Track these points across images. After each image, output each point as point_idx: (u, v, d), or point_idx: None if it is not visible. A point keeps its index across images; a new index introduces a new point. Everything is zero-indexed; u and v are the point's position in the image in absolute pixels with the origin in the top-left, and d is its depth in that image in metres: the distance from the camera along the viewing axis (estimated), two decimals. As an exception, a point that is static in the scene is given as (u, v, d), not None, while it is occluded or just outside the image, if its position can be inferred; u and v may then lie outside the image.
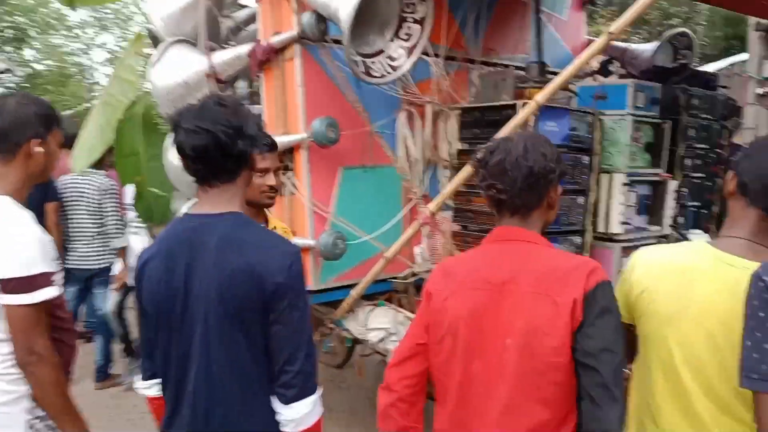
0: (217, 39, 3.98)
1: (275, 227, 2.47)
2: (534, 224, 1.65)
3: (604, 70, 5.13)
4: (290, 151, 3.36)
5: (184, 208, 3.78)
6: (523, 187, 1.58)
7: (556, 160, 1.62)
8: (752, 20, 5.99)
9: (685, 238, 3.63)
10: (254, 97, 4.11)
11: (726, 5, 5.02)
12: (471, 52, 4.24)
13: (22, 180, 1.95)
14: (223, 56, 3.65)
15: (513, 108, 2.91)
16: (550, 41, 4.83)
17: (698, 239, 3.57)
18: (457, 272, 1.68)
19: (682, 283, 1.56)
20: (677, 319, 1.55)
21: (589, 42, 5.27)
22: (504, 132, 2.59)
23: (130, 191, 4.75)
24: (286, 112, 3.39)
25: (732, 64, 8.26)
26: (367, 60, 3.11)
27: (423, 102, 3.77)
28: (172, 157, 3.67)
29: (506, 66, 4.44)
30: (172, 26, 3.97)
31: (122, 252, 4.77)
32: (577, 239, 3.19)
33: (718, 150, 3.85)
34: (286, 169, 3.33)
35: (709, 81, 4.00)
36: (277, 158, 2.38)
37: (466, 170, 2.69)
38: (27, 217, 1.90)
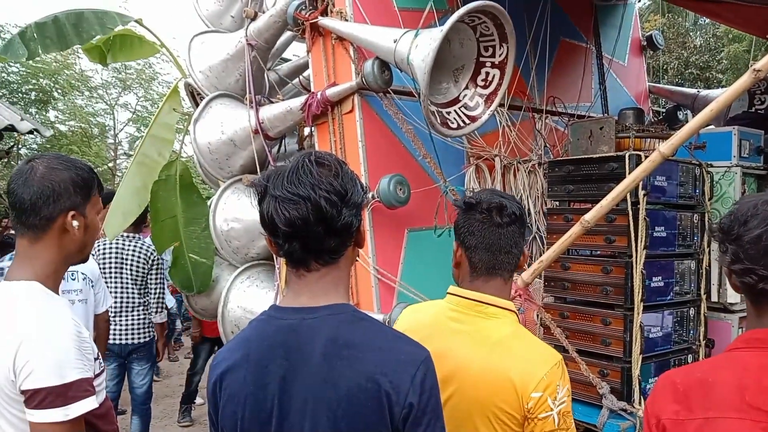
0: (262, 94, 3.68)
1: None
2: None
3: (671, 118, 4.78)
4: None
5: (229, 278, 3.40)
6: None
7: None
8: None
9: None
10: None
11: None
12: (535, 101, 3.92)
13: (55, 262, 1.56)
14: (272, 111, 3.34)
15: (618, 160, 2.52)
16: (613, 88, 4.53)
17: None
18: (701, 392, 1.23)
19: None
20: None
21: (650, 88, 4.97)
22: (621, 189, 2.19)
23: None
24: (346, 169, 3.03)
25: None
26: (443, 110, 2.76)
27: (491, 155, 3.42)
28: (218, 221, 3.32)
29: (572, 115, 4.12)
30: (213, 79, 3.68)
31: (160, 328, 4.40)
32: (691, 311, 2.74)
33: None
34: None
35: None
36: None
37: (573, 233, 2.29)
38: (59, 307, 1.51)
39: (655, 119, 4.91)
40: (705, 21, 15.96)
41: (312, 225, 1.21)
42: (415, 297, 2.96)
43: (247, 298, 3.40)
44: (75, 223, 1.56)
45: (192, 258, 3.82)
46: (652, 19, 18.83)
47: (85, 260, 1.66)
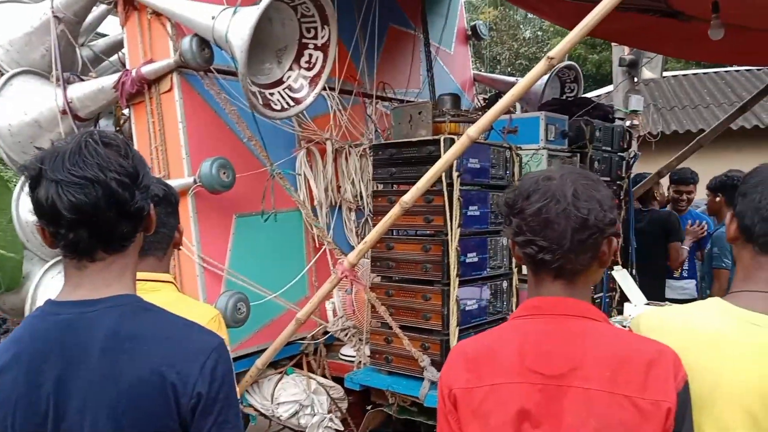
0: (72, 71, 3.37)
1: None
2: (583, 291, 1.30)
3: (493, 105, 5.08)
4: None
5: (39, 273, 3.10)
6: (575, 244, 1.22)
7: (611, 207, 1.27)
8: (615, 55, 6.28)
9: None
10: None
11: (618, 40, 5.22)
12: (365, 86, 3.97)
13: None
14: (82, 89, 3.07)
15: (434, 144, 2.63)
16: (440, 75, 4.71)
17: (619, 274, 3.48)
18: (488, 360, 1.29)
19: (706, 355, 1.28)
20: (710, 402, 1.26)
21: (475, 76, 5.26)
22: (434, 171, 2.29)
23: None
24: (166, 153, 2.88)
25: (599, 96, 8.75)
26: (265, 91, 2.70)
27: (323, 139, 3.42)
28: (22, 211, 3.00)
29: (401, 101, 4.23)
30: (15, 54, 3.30)
31: None
32: (504, 284, 2.94)
33: (619, 182, 3.83)
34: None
35: (606, 113, 4.01)
36: None
37: (392, 214, 2.35)
38: None
39: (482, 105, 5.19)
40: (534, 15, 17.20)
41: (102, 210, 1.12)
42: (243, 284, 2.89)
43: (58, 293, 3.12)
44: None
45: (0, 253, 3.44)
46: (487, 12, 19.98)
47: None
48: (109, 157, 1.15)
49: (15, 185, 3.44)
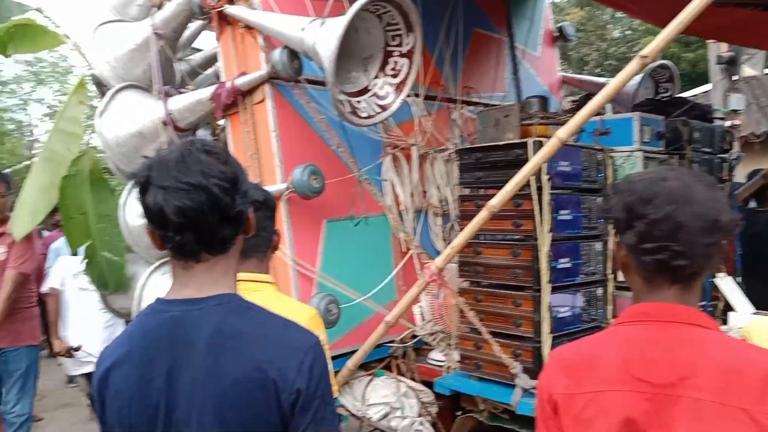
0: (171, 84, 3.57)
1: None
2: (695, 297, 1.25)
3: (582, 107, 4.94)
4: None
5: (145, 274, 3.28)
6: (705, 247, 1.18)
7: (730, 207, 1.23)
8: (712, 52, 5.96)
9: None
10: (217, 146, 3.69)
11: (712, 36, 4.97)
12: (450, 91, 3.97)
13: None
14: (181, 101, 3.24)
15: (522, 147, 2.58)
16: (526, 78, 4.64)
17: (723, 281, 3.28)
18: (589, 367, 1.25)
19: None
20: None
21: (563, 78, 5.13)
22: (523, 174, 2.25)
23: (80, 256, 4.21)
24: (260, 161, 2.99)
25: (695, 95, 8.32)
26: (352, 99, 2.75)
27: (408, 145, 3.44)
28: (129, 216, 3.20)
29: (486, 105, 4.19)
30: (119, 70, 3.54)
31: None
32: (598, 290, 2.85)
33: (720, 186, 3.63)
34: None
35: (705, 113, 3.81)
36: None
37: (479, 218, 2.33)
38: None
39: (570, 108, 5.06)
40: (622, 14, 16.61)
41: (206, 214, 1.18)
42: (334, 287, 2.95)
43: (163, 294, 3.29)
44: None
45: (106, 256, 3.67)
46: (573, 13, 19.47)
47: None
48: (211, 164, 1.20)
49: (120, 193, 3.68)
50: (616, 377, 1.21)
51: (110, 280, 3.66)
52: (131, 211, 3.35)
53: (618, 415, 1.17)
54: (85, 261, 3.72)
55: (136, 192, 1.24)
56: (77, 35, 4.51)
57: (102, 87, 3.77)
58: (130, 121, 3.30)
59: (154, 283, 3.35)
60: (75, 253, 4.01)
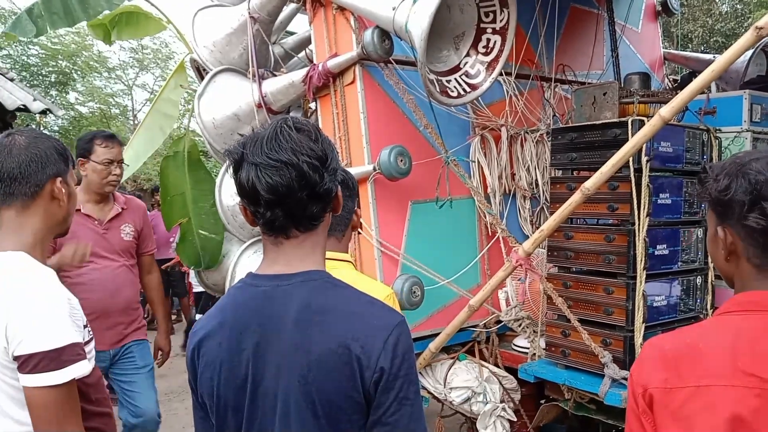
0: (266, 67, 3.66)
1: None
2: None
3: (686, 85, 4.65)
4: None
5: (237, 252, 3.42)
6: None
7: None
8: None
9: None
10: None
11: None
12: (543, 69, 3.84)
13: (42, 230, 1.60)
14: (275, 84, 3.32)
15: (621, 126, 2.46)
16: (625, 55, 4.41)
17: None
18: (690, 359, 1.19)
19: None
20: None
21: (665, 55, 4.84)
22: (621, 155, 2.14)
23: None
24: (348, 142, 3.02)
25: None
26: (442, 79, 2.71)
27: (497, 125, 3.36)
28: (224, 196, 3.33)
29: (582, 83, 4.02)
30: (217, 54, 3.66)
31: None
32: (698, 279, 2.69)
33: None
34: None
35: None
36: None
37: (572, 201, 2.25)
38: (47, 276, 1.54)
39: (672, 86, 4.78)
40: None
41: (296, 191, 1.20)
42: (418, 269, 2.95)
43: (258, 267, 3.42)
44: (63, 189, 1.60)
45: (201, 234, 3.84)
46: (677, -14, 18.31)
47: (66, 232, 1.70)
48: (301, 142, 1.21)
49: (217, 174, 3.83)
50: (722, 371, 1.14)
51: (203, 257, 3.83)
52: (226, 191, 3.49)
53: (725, 412, 1.10)
54: (179, 238, 3.90)
55: (230, 170, 1.28)
56: (178, 21, 4.72)
57: (201, 71, 3.93)
58: (227, 103, 3.42)
59: (246, 261, 3.48)
60: (169, 230, 4.20)
